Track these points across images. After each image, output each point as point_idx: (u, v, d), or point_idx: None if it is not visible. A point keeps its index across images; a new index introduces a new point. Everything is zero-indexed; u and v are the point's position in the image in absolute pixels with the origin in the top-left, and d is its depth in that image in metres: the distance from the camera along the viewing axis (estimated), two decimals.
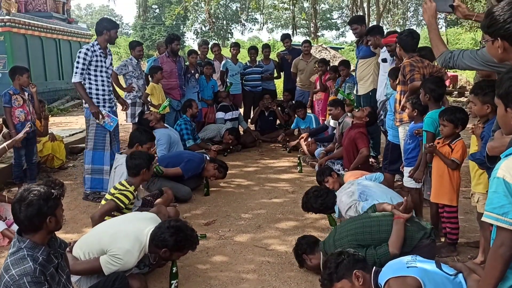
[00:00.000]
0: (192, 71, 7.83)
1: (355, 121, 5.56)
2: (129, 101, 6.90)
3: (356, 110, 5.72)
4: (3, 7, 13.96)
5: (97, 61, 5.25)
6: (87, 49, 5.20)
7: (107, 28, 5.28)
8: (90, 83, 5.26)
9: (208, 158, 5.76)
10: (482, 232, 3.34)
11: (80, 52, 5.21)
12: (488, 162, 2.49)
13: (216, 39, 43.93)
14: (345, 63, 7.40)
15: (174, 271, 3.26)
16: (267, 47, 9.43)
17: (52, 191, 2.36)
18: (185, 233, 3.10)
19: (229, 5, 49.44)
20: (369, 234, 3.15)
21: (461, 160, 3.57)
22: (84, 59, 5.17)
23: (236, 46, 9.03)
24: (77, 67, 5.18)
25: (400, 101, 4.37)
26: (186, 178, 5.40)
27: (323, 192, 3.98)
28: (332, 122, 6.96)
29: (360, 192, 3.80)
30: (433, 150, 3.62)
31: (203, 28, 46.66)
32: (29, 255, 2.28)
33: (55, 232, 2.49)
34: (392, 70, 4.96)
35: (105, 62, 5.33)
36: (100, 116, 5.24)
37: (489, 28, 2.17)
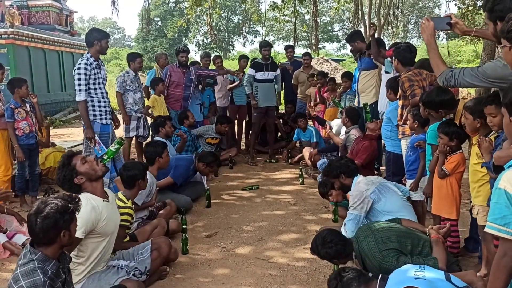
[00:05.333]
0: (196, 83, 7.85)
1: (368, 133, 5.55)
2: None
3: (370, 122, 5.68)
4: (7, 19, 14.09)
5: (95, 73, 5.20)
6: (85, 64, 5.13)
7: (98, 38, 5.22)
8: (91, 97, 5.22)
9: (195, 158, 5.68)
10: (485, 244, 3.32)
11: (79, 68, 5.12)
12: (494, 171, 2.48)
13: (218, 51, 44.11)
14: (348, 75, 7.42)
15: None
16: None
17: (69, 205, 2.37)
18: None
19: (230, 17, 49.85)
20: (410, 245, 3.06)
21: (451, 172, 3.55)
22: (85, 74, 5.11)
23: (246, 58, 8.90)
24: (79, 84, 5.12)
25: (402, 115, 4.38)
26: (181, 185, 5.42)
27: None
28: (334, 128, 6.93)
29: (377, 187, 3.83)
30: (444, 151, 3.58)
31: (205, 40, 46.98)
32: (39, 268, 2.28)
33: None
34: (389, 81, 4.97)
35: (100, 73, 5.29)
36: (93, 141, 5.22)
37: (509, 33, 2.16)
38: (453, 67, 2.88)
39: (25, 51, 14.68)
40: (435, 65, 2.96)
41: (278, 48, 44.78)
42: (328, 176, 4.20)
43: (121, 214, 3.64)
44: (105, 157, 3.87)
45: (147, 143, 4.24)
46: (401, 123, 4.42)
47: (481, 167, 3.10)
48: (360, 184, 3.91)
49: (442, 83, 2.92)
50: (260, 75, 7.65)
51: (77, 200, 2.47)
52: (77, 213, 2.45)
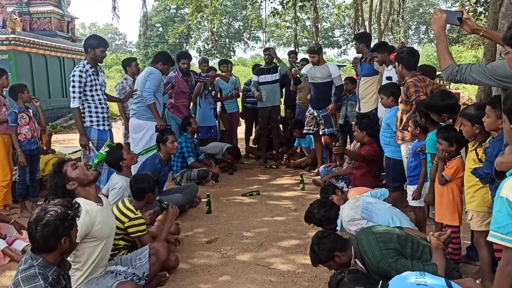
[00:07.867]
0: (210, 88, 7.89)
1: (364, 141, 5.54)
2: (122, 120, 6.86)
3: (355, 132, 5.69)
4: (8, 26, 14.14)
5: (91, 80, 5.16)
6: (80, 71, 5.09)
7: (92, 46, 5.17)
8: (88, 104, 5.20)
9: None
10: (478, 251, 3.30)
11: (73, 75, 5.10)
12: (495, 177, 2.46)
13: (219, 57, 44.24)
14: (351, 79, 7.43)
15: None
16: None
17: (69, 212, 2.37)
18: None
19: (231, 23, 49.96)
20: (410, 249, 3.04)
21: (451, 178, 3.54)
22: (80, 81, 5.08)
23: (226, 63, 8.78)
24: (74, 92, 5.09)
25: (402, 119, 4.37)
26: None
27: (327, 204, 4.05)
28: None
29: (363, 207, 3.82)
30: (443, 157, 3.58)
31: (206, 46, 47.06)
32: (40, 273, 2.28)
33: None
34: (391, 87, 4.96)
35: (98, 80, 5.26)
36: (87, 148, 5.18)
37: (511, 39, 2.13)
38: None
39: (26, 57, 14.72)
40: (442, 58, 2.88)
41: (279, 54, 44.72)
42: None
43: (137, 225, 3.66)
44: (95, 161, 3.88)
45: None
46: (400, 128, 4.41)
47: (470, 172, 3.08)
48: (345, 210, 3.93)
49: (447, 77, 2.85)
50: (262, 78, 8.00)
51: (76, 206, 2.47)
52: (77, 219, 2.45)
